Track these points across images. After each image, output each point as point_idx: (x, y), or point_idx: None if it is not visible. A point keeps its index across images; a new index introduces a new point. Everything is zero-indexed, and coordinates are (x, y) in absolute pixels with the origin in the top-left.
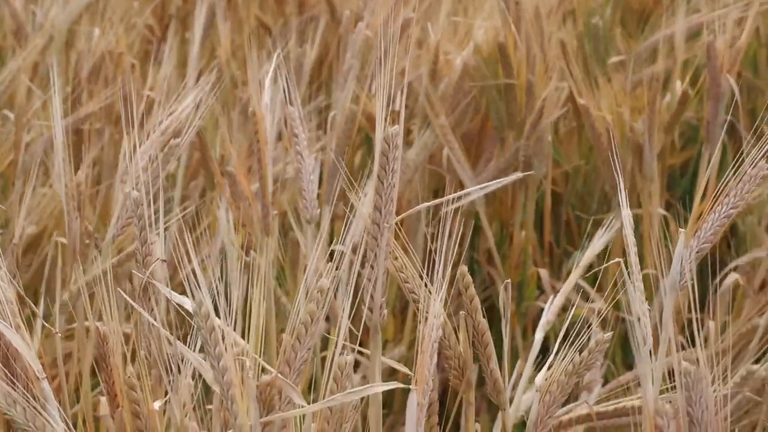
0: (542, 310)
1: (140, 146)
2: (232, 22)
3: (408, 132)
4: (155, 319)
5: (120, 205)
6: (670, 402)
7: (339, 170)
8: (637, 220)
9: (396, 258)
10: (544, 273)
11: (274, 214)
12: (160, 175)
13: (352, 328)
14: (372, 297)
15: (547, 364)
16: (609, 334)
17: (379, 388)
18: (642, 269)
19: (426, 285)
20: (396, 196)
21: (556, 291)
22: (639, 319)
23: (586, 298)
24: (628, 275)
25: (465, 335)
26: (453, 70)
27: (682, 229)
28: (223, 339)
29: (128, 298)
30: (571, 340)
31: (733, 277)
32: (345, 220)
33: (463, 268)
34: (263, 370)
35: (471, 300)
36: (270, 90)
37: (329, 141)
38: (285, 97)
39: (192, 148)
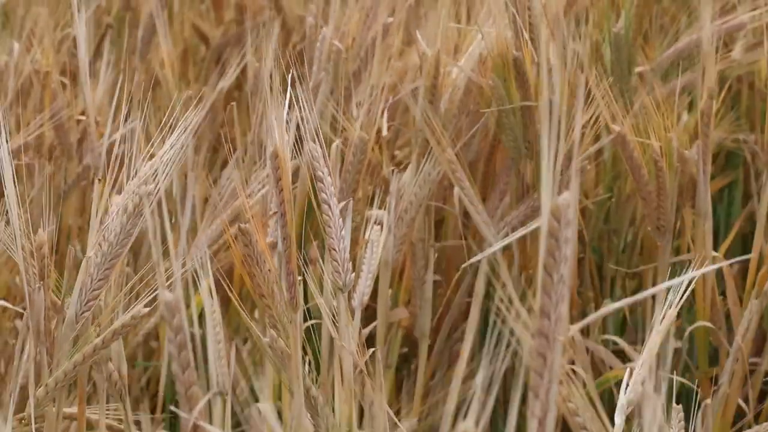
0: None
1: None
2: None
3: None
4: None
5: (84, 274)
6: None
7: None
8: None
9: None
10: (575, 331)
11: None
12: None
13: None
14: None
15: None
16: None
17: None
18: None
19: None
20: (567, 293)
21: (588, 351)
22: None
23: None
24: None
25: None
26: (455, 86)
27: None
28: None
29: None
30: None
31: None
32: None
33: None
34: None
35: None
36: (286, 121)
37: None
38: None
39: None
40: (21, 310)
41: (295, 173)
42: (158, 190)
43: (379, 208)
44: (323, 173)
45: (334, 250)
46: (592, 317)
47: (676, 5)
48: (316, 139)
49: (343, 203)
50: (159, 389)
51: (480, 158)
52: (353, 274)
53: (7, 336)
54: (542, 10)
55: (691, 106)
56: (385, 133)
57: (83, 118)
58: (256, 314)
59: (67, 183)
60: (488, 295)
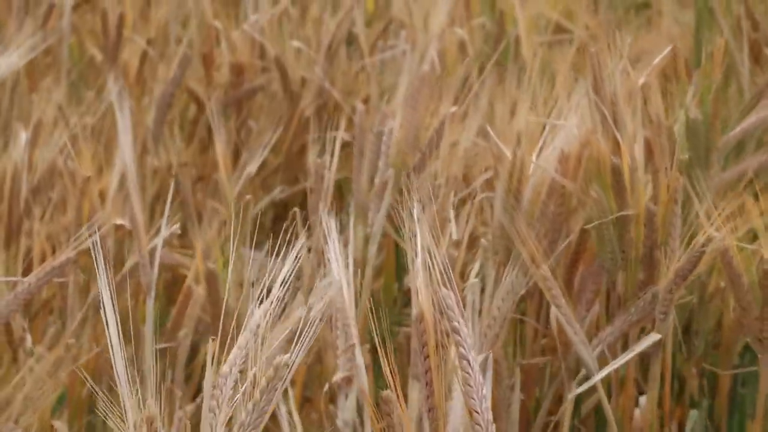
0: None
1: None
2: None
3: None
4: None
5: None
6: None
7: None
8: None
9: None
10: None
11: None
12: None
13: None
14: None
15: None
16: None
17: None
18: None
19: None
20: None
21: None
22: None
23: None
24: None
25: None
26: (534, 185)
27: None
28: None
29: None
30: None
31: None
32: None
33: None
34: None
35: None
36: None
37: None
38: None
39: None
40: None
41: None
42: (295, 361)
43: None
44: (459, 324)
45: (477, 412)
46: None
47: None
48: (447, 282)
49: (482, 356)
50: None
51: (560, 263)
52: None
53: None
54: (633, 107)
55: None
56: (455, 237)
57: (121, 223)
58: None
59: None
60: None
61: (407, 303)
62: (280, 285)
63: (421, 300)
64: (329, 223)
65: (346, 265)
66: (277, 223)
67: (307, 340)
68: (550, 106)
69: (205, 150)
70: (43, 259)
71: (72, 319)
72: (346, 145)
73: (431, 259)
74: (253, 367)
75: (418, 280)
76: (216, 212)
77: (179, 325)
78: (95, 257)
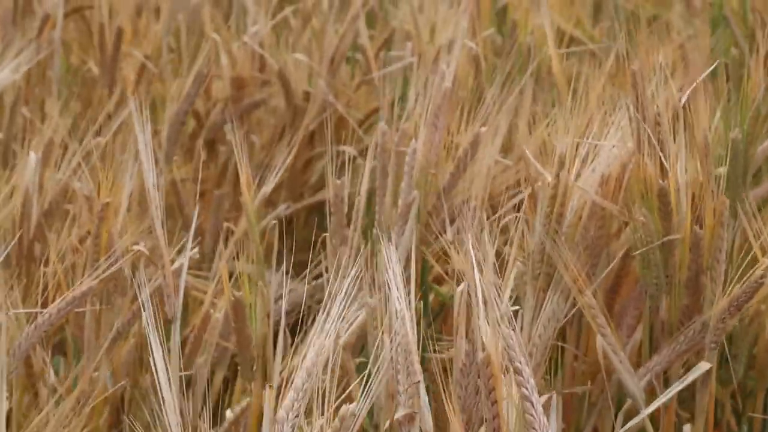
0: None
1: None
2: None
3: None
4: None
5: None
6: None
7: None
8: None
9: None
10: None
11: None
12: None
13: None
14: None
15: None
16: None
17: None
18: None
19: None
20: None
21: None
22: None
23: None
24: None
25: None
26: (576, 209)
27: None
28: None
29: None
30: None
31: None
32: None
33: None
34: None
35: None
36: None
37: None
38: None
39: None
40: None
41: None
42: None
43: None
44: (521, 363)
45: None
46: None
47: None
48: (507, 321)
49: (545, 397)
50: None
51: (600, 288)
52: None
53: None
54: (675, 127)
55: None
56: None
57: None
58: None
59: (120, 324)
60: None
61: (429, 324)
62: (336, 319)
63: (487, 342)
64: (390, 251)
65: (408, 295)
66: (282, 241)
67: (376, 385)
68: (584, 124)
69: (203, 165)
70: (58, 288)
71: (89, 349)
72: (352, 159)
73: (483, 292)
74: (319, 417)
75: (481, 320)
76: (230, 232)
77: (196, 352)
78: (142, 304)
